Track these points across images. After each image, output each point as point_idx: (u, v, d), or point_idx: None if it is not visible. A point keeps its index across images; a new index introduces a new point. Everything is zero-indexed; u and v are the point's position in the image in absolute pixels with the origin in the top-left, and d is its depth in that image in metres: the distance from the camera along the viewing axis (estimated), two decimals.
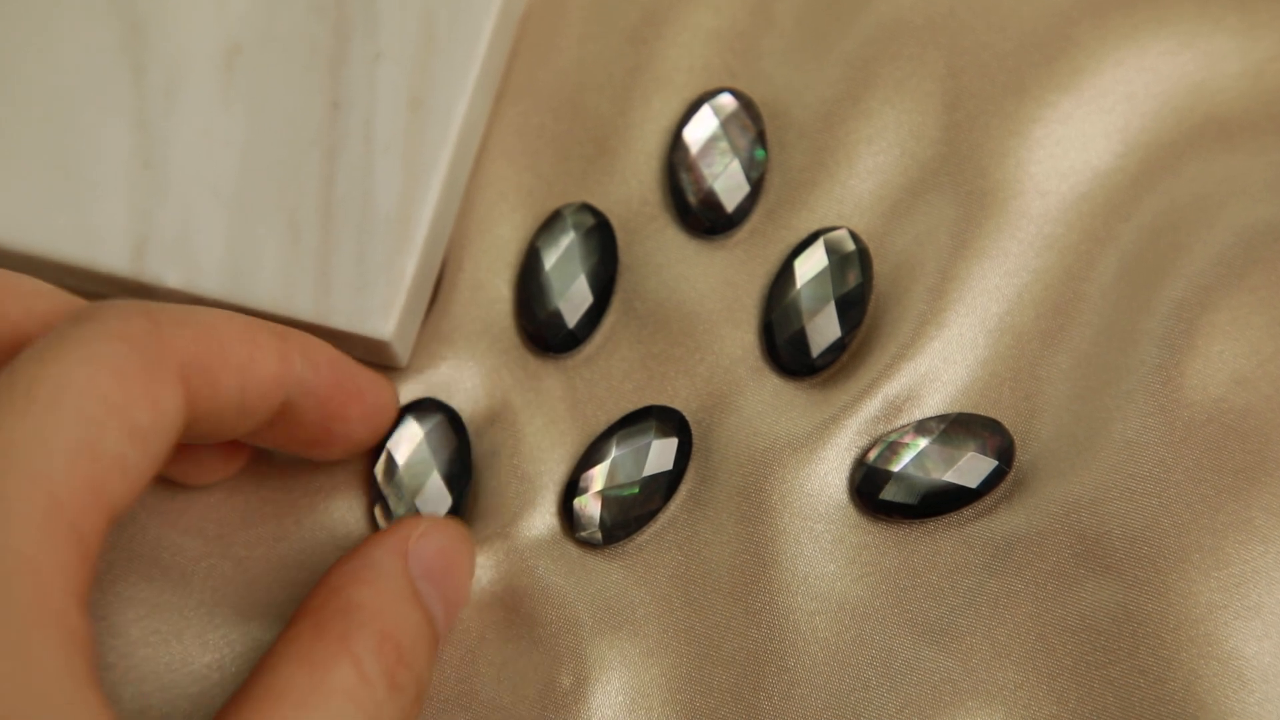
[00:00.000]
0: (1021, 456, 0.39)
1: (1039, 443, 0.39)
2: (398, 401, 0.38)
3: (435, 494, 0.38)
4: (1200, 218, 0.40)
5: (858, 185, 0.41)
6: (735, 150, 0.41)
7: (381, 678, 0.30)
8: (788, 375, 0.40)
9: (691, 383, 0.40)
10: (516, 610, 0.38)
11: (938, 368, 0.40)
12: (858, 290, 0.40)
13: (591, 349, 0.41)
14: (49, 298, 0.31)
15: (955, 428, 0.38)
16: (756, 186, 0.41)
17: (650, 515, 0.39)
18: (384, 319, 0.38)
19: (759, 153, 0.41)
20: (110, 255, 0.38)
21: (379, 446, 0.38)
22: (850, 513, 0.39)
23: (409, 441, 0.38)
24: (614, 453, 0.39)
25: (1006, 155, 0.41)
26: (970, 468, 0.38)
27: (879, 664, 0.37)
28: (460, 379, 0.40)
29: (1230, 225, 0.40)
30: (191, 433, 0.31)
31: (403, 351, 0.39)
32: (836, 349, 0.40)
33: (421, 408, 0.39)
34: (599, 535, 0.38)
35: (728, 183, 0.41)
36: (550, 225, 0.40)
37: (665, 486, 0.39)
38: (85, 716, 0.24)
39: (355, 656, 0.29)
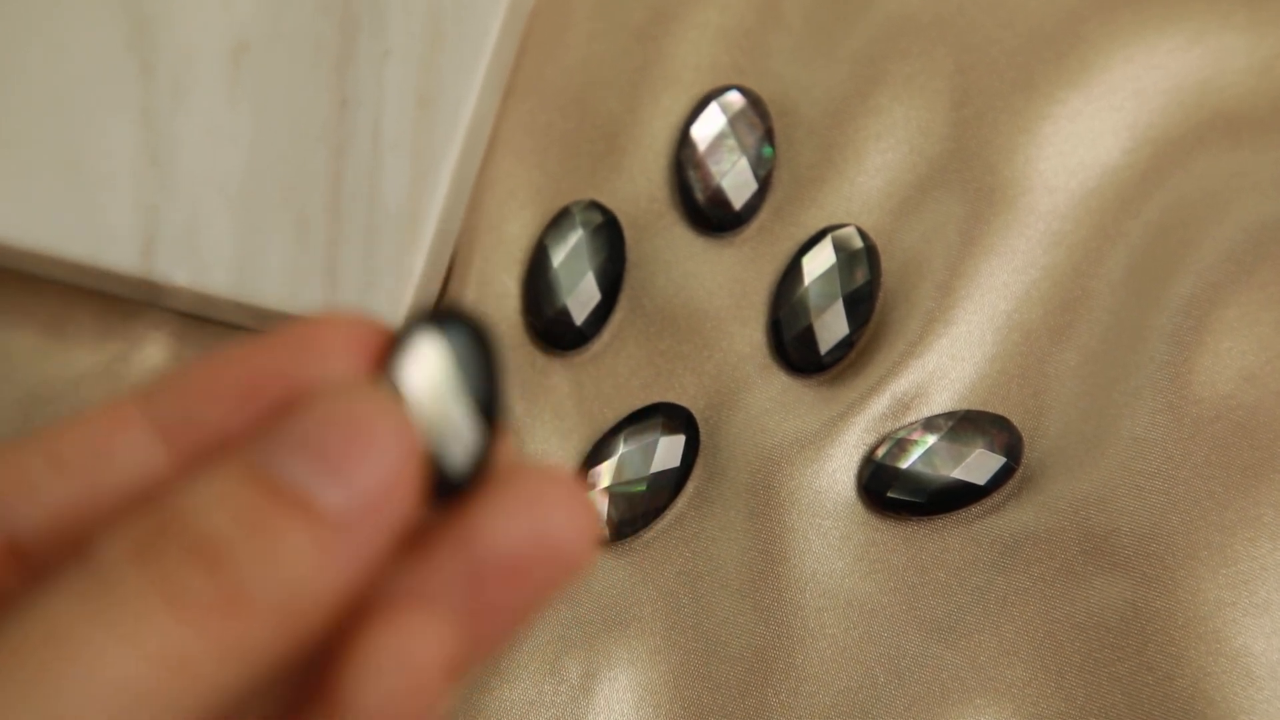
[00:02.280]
0: (1030, 453, 0.39)
1: (1047, 440, 0.39)
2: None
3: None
4: (1209, 214, 0.40)
5: (866, 182, 0.41)
6: (743, 148, 0.41)
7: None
8: (795, 372, 0.40)
9: (699, 380, 0.40)
10: None
11: (946, 365, 0.40)
12: (866, 287, 0.39)
13: (599, 346, 0.41)
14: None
15: (963, 425, 0.38)
16: (764, 184, 0.41)
17: (658, 512, 0.39)
18: (392, 316, 0.38)
19: (767, 150, 0.41)
20: (118, 253, 0.38)
21: None
22: (858, 509, 0.39)
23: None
24: (621, 449, 0.39)
25: (1015, 152, 0.41)
26: (978, 465, 0.38)
27: (887, 661, 0.37)
28: None
29: (1239, 221, 0.40)
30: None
31: None
32: (844, 346, 0.39)
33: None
34: (606, 532, 0.38)
35: (735, 180, 0.41)
36: (558, 223, 0.40)
37: (673, 483, 0.39)
38: None
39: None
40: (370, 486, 0.19)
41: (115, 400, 0.21)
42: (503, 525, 0.20)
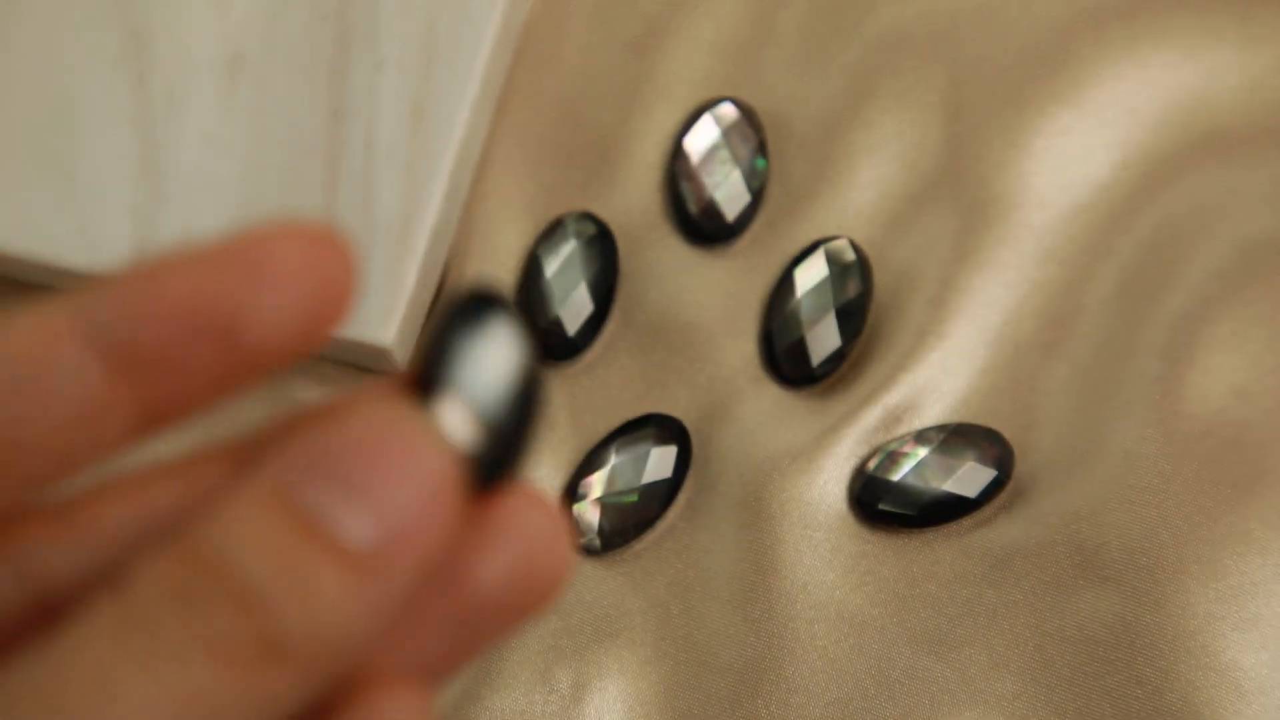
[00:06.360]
0: (1020, 467, 0.39)
1: (1038, 453, 0.39)
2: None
3: None
4: (1200, 230, 0.40)
5: (858, 195, 0.41)
6: (736, 160, 0.41)
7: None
8: (788, 385, 0.40)
9: (691, 392, 0.40)
10: None
11: (937, 378, 0.40)
12: (858, 300, 0.40)
13: (591, 357, 0.41)
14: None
15: (955, 438, 0.38)
16: (757, 196, 0.41)
17: (649, 523, 0.39)
18: (384, 326, 0.38)
19: (760, 162, 0.41)
20: (112, 261, 0.38)
21: None
22: (849, 522, 0.39)
23: None
24: (613, 460, 0.39)
25: (1007, 167, 0.41)
26: (969, 478, 0.38)
27: (877, 673, 0.37)
28: None
29: (1229, 238, 0.40)
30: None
31: (403, 358, 0.39)
32: (836, 359, 0.40)
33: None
34: (597, 542, 0.38)
35: (729, 192, 0.41)
36: (551, 233, 0.40)
37: (664, 494, 0.39)
38: None
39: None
40: (402, 519, 0.18)
41: (44, 310, 0.19)
42: (489, 564, 0.19)
